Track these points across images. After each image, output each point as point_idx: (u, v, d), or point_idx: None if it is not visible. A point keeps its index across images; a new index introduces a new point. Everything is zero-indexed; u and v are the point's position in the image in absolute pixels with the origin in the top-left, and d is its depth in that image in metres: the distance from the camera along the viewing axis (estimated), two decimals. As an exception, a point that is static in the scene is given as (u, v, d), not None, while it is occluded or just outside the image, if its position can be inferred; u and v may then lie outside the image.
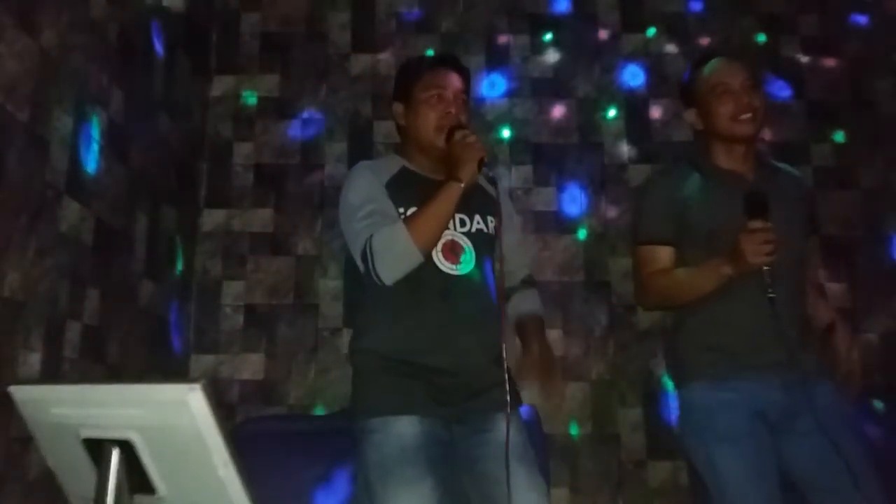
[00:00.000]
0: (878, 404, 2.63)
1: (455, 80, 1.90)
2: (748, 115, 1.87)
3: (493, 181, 1.82)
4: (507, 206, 2.00)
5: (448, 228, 1.80)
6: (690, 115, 2.00)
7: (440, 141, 1.82)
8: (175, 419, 0.96)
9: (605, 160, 3.12)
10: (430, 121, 1.85)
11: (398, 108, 1.93)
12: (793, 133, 3.14)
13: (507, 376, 1.69)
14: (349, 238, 1.81)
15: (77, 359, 1.99)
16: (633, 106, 3.18)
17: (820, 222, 2.07)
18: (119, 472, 1.05)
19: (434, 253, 1.77)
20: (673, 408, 2.88)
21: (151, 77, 2.55)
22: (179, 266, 2.81)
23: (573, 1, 3.28)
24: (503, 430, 1.68)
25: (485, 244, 1.85)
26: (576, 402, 2.88)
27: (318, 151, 3.10)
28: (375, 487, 1.66)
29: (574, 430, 2.87)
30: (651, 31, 3.27)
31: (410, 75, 1.92)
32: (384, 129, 3.11)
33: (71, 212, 1.95)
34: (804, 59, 3.24)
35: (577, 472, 2.82)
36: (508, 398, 1.66)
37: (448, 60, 1.96)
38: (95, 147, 2.09)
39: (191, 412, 0.94)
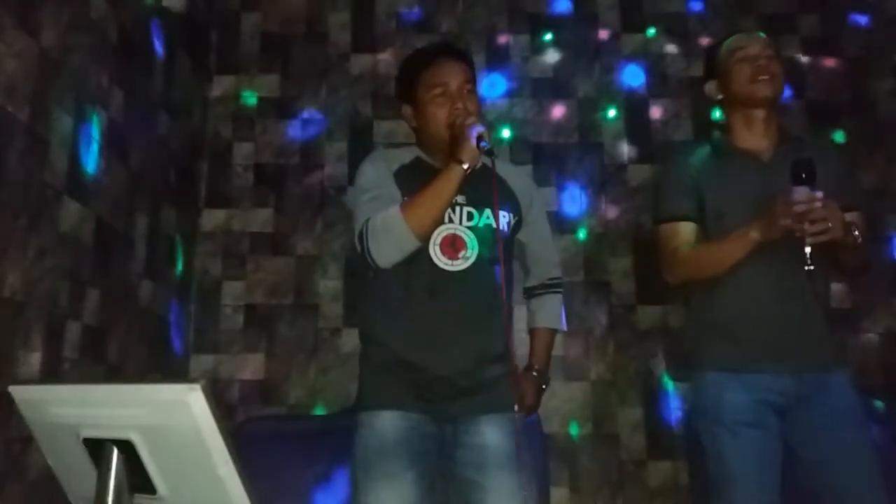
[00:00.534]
0: (879, 404, 2.63)
1: (457, 71, 1.80)
2: (766, 77, 1.89)
3: (490, 153, 1.68)
4: (532, 196, 1.92)
5: (451, 222, 1.75)
6: (711, 87, 2.01)
7: (448, 135, 1.75)
8: (175, 419, 0.96)
9: (605, 160, 3.12)
10: (440, 121, 1.76)
11: (407, 111, 1.87)
12: (792, 132, 3.13)
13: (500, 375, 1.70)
14: (353, 223, 1.78)
15: (77, 359, 1.99)
16: (633, 106, 3.18)
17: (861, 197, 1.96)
18: (119, 472, 1.05)
19: (431, 246, 1.72)
20: (673, 408, 2.89)
21: (151, 77, 2.55)
22: (179, 266, 2.81)
23: (573, 1, 3.28)
24: (489, 435, 1.67)
25: (491, 240, 1.77)
26: (576, 403, 2.88)
27: (318, 151, 3.10)
28: (359, 480, 1.66)
29: (574, 430, 2.87)
30: (651, 31, 3.27)
31: (411, 75, 1.84)
32: (384, 129, 3.12)
33: (71, 212, 1.95)
34: (804, 59, 3.25)
35: (577, 472, 2.82)
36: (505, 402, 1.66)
37: (445, 50, 1.87)
38: (95, 147, 2.09)
39: (191, 412, 0.94)
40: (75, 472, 1.15)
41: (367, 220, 1.70)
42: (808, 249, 1.64)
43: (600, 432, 2.87)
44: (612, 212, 3.07)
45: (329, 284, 2.97)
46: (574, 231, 3.04)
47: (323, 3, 3.24)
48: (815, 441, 1.77)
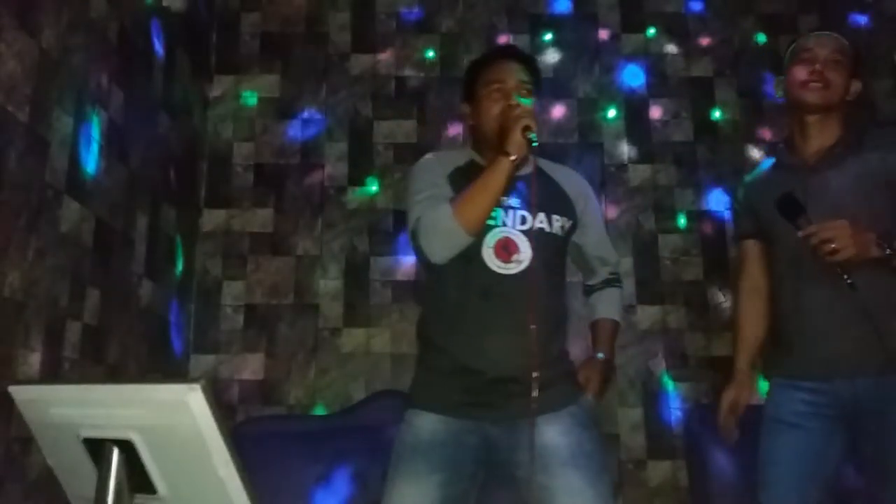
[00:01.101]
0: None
1: (516, 71, 1.81)
2: (818, 84, 1.86)
3: (531, 141, 1.65)
4: (587, 198, 1.91)
5: (505, 225, 1.75)
6: (777, 83, 2.03)
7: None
8: (175, 419, 0.96)
9: (605, 160, 3.12)
10: (492, 115, 1.77)
11: (465, 108, 1.89)
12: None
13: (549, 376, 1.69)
14: (407, 222, 1.80)
15: (77, 359, 1.99)
16: (633, 106, 3.18)
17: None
18: (119, 472, 1.05)
19: (485, 249, 1.73)
20: (673, 408, 2.89)
21: (151, 77, 2.55)
22: (179, 266, 2.81)
23: (573, 1, 3.29)
24: (546, 435, 1.66)
25: (545, 244, 1.77)
26: (576, 402, 2.88)
27: (318, 151, 3.10)
28: (389, 474, 1.69)
29: (574, 430, 2.87)
30: (651, 31, 3.27)
31: (474, 74, 1.87)
32: (384, 129, 3.12)
33: (71, 212, 1.95)
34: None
35: (577, 472, 2.82)
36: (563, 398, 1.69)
37: (508, 52, 1.90)
38: (95, 147, 2.09)
39: (191, 412, 0.94)
40: (75, 472, 1.15)
41: (419, 217, 1.71)
42: (838, 270, 1.68)
43: (600, 432, 2.86)
44: (612, 212, 3.07)
45: (329, 284, 2.97)
46: (574, 231, 3.04)
47: (323, 3, 3.25)
48: (870, 446, 1.78)
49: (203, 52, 3.10)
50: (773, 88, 2.03)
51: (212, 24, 3.19)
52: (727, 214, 3.07)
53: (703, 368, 2.93)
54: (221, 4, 3.22)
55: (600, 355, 1.88)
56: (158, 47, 2.59)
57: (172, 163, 2.74)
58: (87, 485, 1.08)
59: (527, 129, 1.65)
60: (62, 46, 1.88)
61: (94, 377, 2.09)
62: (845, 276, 1.66)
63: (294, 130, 3.12)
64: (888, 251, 1.68)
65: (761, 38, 3.26)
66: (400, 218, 3.03)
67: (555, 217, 1.79)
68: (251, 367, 2.89)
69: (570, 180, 1.92)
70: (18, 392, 1.19)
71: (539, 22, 3.26)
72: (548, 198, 1.79)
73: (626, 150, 3.14)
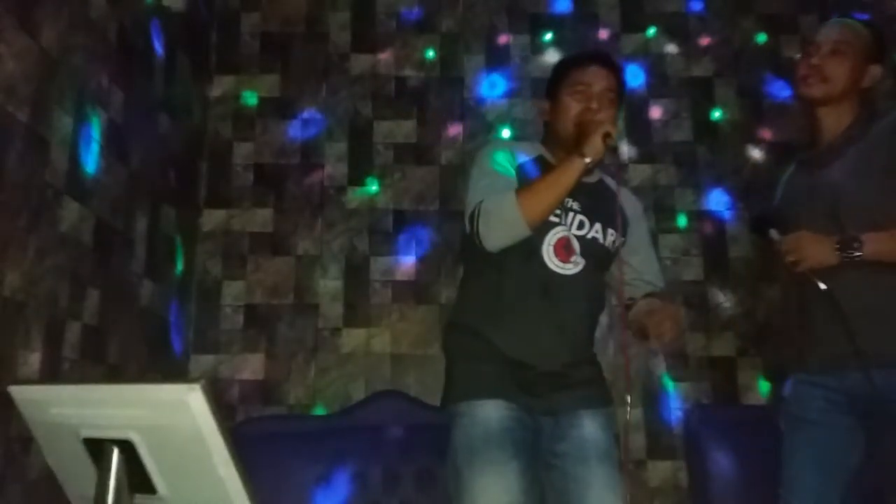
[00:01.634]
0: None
1: (603, 77, 1.83)
2: (815, 79, 1.86)
3: (611, 148, 1.70)
4: (640, 219, 1.95)
5: (567, 225, 1.77)
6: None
7: (574, 131, 1.78)
8: (175, 419, 0.96)
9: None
10: (570, 115, 1.80)
11: (544, 104, 1.91)
12: (793, 133, 3.14)
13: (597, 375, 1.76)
14: (466, 204, 1.78)
15: (77, 359, 1.99)
16: (633, 106, 3.18)
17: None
18: (119, 471, 1.05)
19: (546, 247, 1.74)
20: (673, 408, 2.89)
21: (151, 77, 2.55)
22: (179, 266, 2.81)
23: (573, 1, 3.29)
24: (588, 428, 1.71)
25: (595, 255, 1.80)
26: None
27: (318, 151, 3.10)
28: (462, 469, 1.66)
29: (574, 430, 2.87)
30: (651, 31, 3.27)
31: (560, 73, 1.89)
32: (384, 129, 3.12)
33: (71, 212, 1.95)
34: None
35: (577, 472, 2.82)
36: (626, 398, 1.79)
37: (598, 58, 1.90)
38: (95, 147, 2.09)
39: (191, 412, 0.94)
40: (75, 472, 1.15)
41: (481, 201, 1.70)
42: (813, 276, 1.73)
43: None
44: (612, 212, 3.06)
45: (329, 284, 2.97)
46: (574, 231, 3.04)
47: (323, 3, 3.24)
48: (880, 439, 1.78)
49: (203, 52, 3.10)
50: (774, 88, 2.02)
51: (212, 24, 3.19)
52: (727, 214, 3.07)
53: (703, 368, 2.93)
54: (221, 4, 3.22)
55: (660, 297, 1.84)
56: (158, 47, 2.59)
57: (172, 163, 2.74)
58: (87, 485, 1.08)
59: (608, 136, 1.67)
60: (62, 46, 1.88)
61: (94, 377, 2.08)
62: (816, 281, 1.72)
63: (294, 130, 3.12)
64: (846, 257, 1.72)
65: (761, 38, 3.26)
66: (400, 218, 3.03)
67: (609, 231, 1.81)
68: (251, 367, 2.89)
69: (629, 201, 1.95)
70: (18, 392, 1.19)
71: (539, 22, 3.26)
72: (607, 211, 1.80)
73: (626, 150, 3.13)
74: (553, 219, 1.76)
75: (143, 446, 1.03)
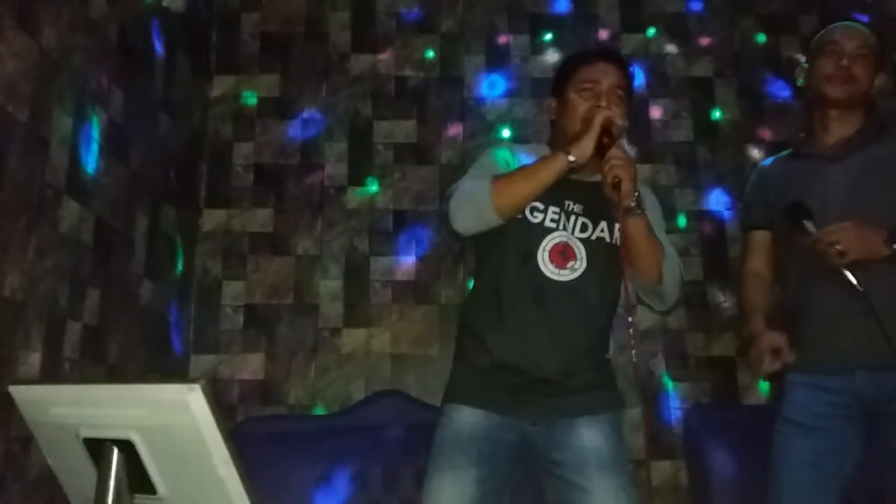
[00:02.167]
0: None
1: (612, 74, 1.78)
2: (844, 79, 1.86)
3: (601, 154, 1.60)
4: (654, 214, 1.84)
5: (565, 230, 1.74)
6: (801, 71, 2.02)
7: None
8: (175, 419, 0.96)
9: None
10: (577, 113, 1.75)
11: (551, 103, 1.86)
12: (793, 133, 3.13)
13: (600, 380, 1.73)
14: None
15: (77, 359, 1.99)
16: (634, 106, 3.15)
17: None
18: (119, 472, 1.05)
19: (540, 253, 1.72)
20: (673, 408, 2.89)
21: (151, 77, 2.55)
22: (179, 266, 2.81)
23: (573, 1, 3.28)
24: (587, 437, 1.67)
25: (603, 254, 1.75)
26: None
27: (318, 151, 3.10)
28: (428, 467, 1.70)
29: (574, 430, 2.86)
30: (651, 31, 3.27)
31: (567, 70, 1.84)
32: (384, 129, 3.12)
33: (71, 212, 1.95)
34: (804, 59, 3.24)
35: (577, 472, 2.82)
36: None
37: (606, 54, 1.86)
38: (95, 147, 2.09)
39: (191, 412, 0.94)
40: (75, 472, 1.15)
41: (458, 184, 1.71)
42: (847, 273, 1.65)
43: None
44: (612, 212, 3.06)
45: (329, 284, 2.97)
46: (574, 231, 3.04)
47: (323, 3, 3.24)
48: (885, 441, 1.77)
49: (203, 52, 3.10)
50: (800, 72, 1.99)
51: (212, 24, 3.19)
52: (727, 214, 3.07)
53: (703, 368, 2.93)
54: (221, 4, 3.22)
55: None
56: (158, 47, 2.59)
57: (172, 163, 2.74)
58: (87, 485, 1.08)
59: (605, 141, 1.61)
60: (62, 46, 1.88)
61: (94, 377, 2.08)
62: (853, 281, 1.64)
63: (294, 130, 3.12)
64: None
65: (761, 38, 3.26)
66: (400, 218, 3.03)
67: (617, 226, 1.75)
68: (251, 367, 2.89)
69: (642, 191, 1.82)
70: (18, 392, 1.19)
71: (539, 22, 3.25)
72: (611, 207, 1.72)
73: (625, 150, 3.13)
74: (550, 224, 1.74)
75: (143, 446, 1.03)
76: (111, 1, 2.17)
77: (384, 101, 3.14)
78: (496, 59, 3.21)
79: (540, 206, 1.76)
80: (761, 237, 2.00)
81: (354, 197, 3.06)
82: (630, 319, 1.79)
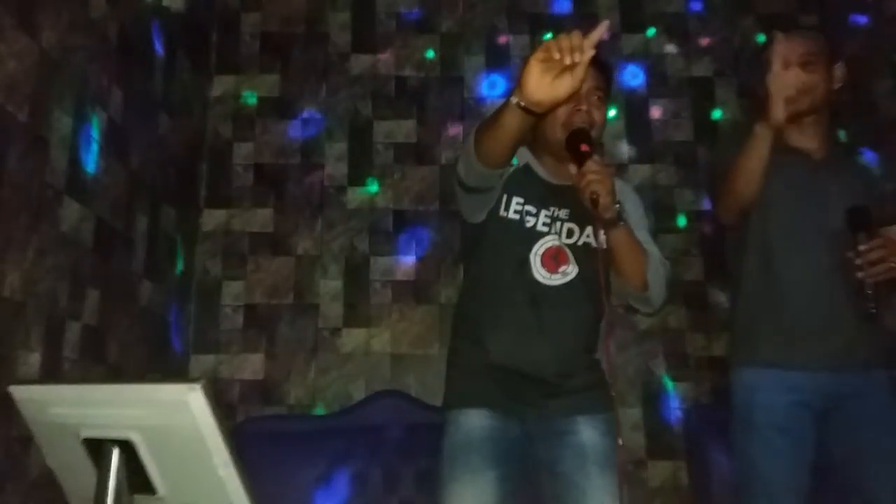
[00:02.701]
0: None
1: (590, 77, 1.73)
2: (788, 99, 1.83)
3: (580, 165, 1.60)
4: (640, 216, 1.88)
5: (556, 235, 1.77)
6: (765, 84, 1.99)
7: (562, 136, 1.72)
8: (175, 419, 0.96)
9: (606, 160, 3.12)
10: (557, 116, 1.74)
11: None
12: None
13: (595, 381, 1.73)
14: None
15: (77, 359, 1.99)
16: (633, 106, 3.18)
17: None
18: (119, 472, 1.05)
19: (533, 257, 1.75)
20: (673, 408, 2.89)
21: (151, 77, 2.55)
22: (179, 266, 2.81)
23: (573, 1, 3.29)
24: (585, 434, 1.69)
25: (589, 259, 1.77)
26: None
27: (318, 151, 3.10)
28: (442, 475, 1.68)
29: (574, 430, 2.87)
30: (651, 31, 3.27)
31: None
32: (384, 129, 3.12)
33: (71, 212, 1.95)
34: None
35: (577, 472, 2.82)
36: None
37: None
38: (95, 147, 2.09)
39: (191, 412, 0.94)
40: (75, 472, 1.15)
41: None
42: (869, 292, 1.69)
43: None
44: (612, 212, 3.06)
45: (329, 284, 2.97)
46: (574, 231, 3.04)
47: (323, 3, 3.24)
48: (850, 443, 1.79)
49: (203, 52, 3.10)
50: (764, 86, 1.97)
51: (212, 24, 3.19)
52: (727, 214, 3.07)
53: (703, 368, 2.93)
54: (221, 4, 3.22)
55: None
56: (158, 47, 2.59)
57: (172, 163, 2.74)
58: (87, 485, 1.08)
59: (583, 148, 1.62)
60: (62, 46, 1.88)
61: (94, 377, 2.08)
62: (871, 303, 1.68)
63: (294, 130, 3.12)
64: None
65: (761, 38, 3.26)
66: (400, 218, 3.03)
67: (602, 232, 1.74)
68: (251, 367, 2.89)
69: (626, 197, 1.86)
70: (18, 392, 1.19)
71: (539, 22, 3.25)
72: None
73: (626, 150, 3.13)
74: (542, 228, 1.77)
75: (143, 446, 1.03)
76: (111, 1, 2.17)
77: (384, 101, 3.15)
78: (496, 59, 3.21)
79: (532, 209, 1.79)
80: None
81: (354, 197, 3.06)
82: (603, 323, 1.81)
